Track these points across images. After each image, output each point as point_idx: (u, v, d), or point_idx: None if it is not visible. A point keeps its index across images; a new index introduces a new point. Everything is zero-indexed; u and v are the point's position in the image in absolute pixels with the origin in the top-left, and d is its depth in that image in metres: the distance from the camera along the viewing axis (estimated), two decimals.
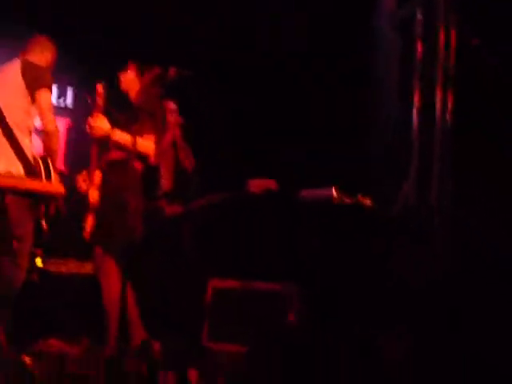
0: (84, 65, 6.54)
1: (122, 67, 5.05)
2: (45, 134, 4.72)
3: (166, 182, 5.38)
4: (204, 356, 5.01)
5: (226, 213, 5.83)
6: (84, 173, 4.90)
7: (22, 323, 5.03)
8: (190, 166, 5.70)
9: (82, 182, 4.85)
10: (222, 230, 6.16)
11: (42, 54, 4.87)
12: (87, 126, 4.74)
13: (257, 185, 5.59)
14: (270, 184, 5.58)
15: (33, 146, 4.76)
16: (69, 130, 6.83)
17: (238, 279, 5.80)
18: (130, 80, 5.01)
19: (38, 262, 5.71)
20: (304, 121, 6.60)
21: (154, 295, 5.30)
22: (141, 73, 4.99)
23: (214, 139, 6.47)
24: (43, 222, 4.74)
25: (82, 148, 6.35)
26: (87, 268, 5.88)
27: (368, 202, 4.89)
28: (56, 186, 4.55)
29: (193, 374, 4.44)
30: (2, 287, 4.43)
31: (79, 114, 6.77)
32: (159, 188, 5.25)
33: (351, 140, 6.20)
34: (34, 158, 4.69)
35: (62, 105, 6.84)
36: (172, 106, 5.28)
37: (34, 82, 4.67)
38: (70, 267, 5.99)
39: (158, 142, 4.76)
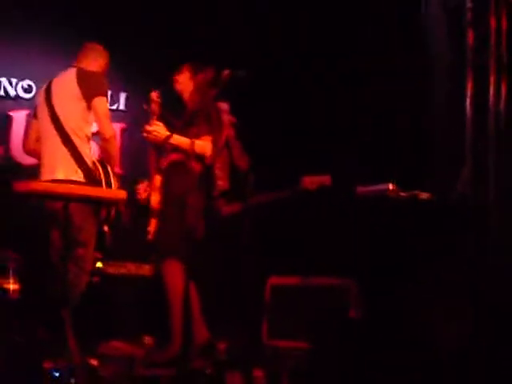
0: (136, 69, 6.62)
1: (177, 69, 5.09)
2: (103, 140, 4.76)
3: (221, 181, 5.41)
4: (267, 354, 5.02)
5: (282, 210, 5.86)
6: (144, 182, 4.95)
7: (84, 326, 5.10)
8: (244, 165, 5.72)
9: (142, 192, 4.91)
10: (279, 227, 6.19)
11: (96, 61, 4.92)
12: (144, 133, 4.79)
13: (311, 181, 5.59)
14: (325, 180, 5.58)
15: (91, 153, 4.82)
16: (123, 134, 6.91)
17: (296, 275, 5.83)
18: (184, 81, 5.06)
19: (99, 264, 5.79)
20: (356, 116, 6.58)
21: (215, 294, 5.34)
22: (194, 74, 5.04)
23: (267, 137, 6.49)
24: (105, 227, 4.81)
25: (137, 152, 6.50)
26: (145, 269, 5.96)
27: (425, 195, 4.86)
28: (117, 191, 4.60)
29: (258, 374, 4.46)
30: (69, 292, 4.50)
31: (132, 118, 6.90)
32: (215, 188, 5.27)
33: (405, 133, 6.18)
34: (94, 164, 4.75)
35: (115, 109, 6.90)
36: (224, 105, 5.31)
37: (89, 89, 4.71)
38: (129, 269, 6.06)
39: (214, 143, 4.80)
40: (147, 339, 5.53)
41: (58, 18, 6.57)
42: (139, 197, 4.93)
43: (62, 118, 4.73)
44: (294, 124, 6.75)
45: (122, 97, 6.97)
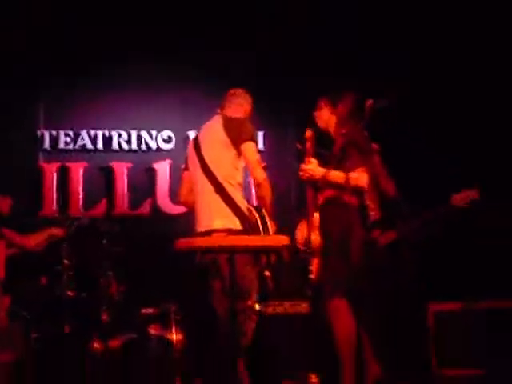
0: (270, 107, 6.63)
1: (314, 106, 5.02)
2: (256, 186, 4.72)
3: (373, 211, 5.32)
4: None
5: (436, 232, 5.70)
6: (301, 225, 4.89)
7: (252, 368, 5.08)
8: (391, 191, 5.62)
9: (300, 237, 4.86)
10: (438, 250, 6.03)
11: (241, 107, 4.90)
12: (300, 172, 4.73)
13: (460, 198, 5.44)
14: (473, 194, 5.41)
15: (244, 199, 4.81)
16: None
17: (456, 300, 5.65)
18: (325, 117, 4.93)
19: (256, 306, 5.78)
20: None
21: (382, 328, 5.21)
22: (334, 107, 4.93)
23: (409, 160, 6.35)
24: (266, 272, 4.77)
25: (278, 189, 6.48)
26: (302, 307, 5.89)
27: None
28: (280, 238, 4.51)
29: None
30: (241, 340, 4.49)
31: (270, 156, 6.92)
32: (369, 219, 5.17)
33: None
34: (249, 210, 4.74)
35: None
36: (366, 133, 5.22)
37: (236, 135, 4.68)
38: (286, 308, 6.01)
39: (369, 173, 4.69)
40: (313, 377, 5.46)
41: (191, 70, 6.69)
42: (298, 243, 4.87)
43: (212, 167, 4.72)
44: (433, 143, 6.59)
45: (260, 136, 6.96)
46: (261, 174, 4.66)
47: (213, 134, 4.80)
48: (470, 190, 5.43)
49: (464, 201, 5.41)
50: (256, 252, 4.57)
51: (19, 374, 4.18)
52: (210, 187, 4.70)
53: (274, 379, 5.22)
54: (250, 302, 4.61)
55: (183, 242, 4.09)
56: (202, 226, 4.73)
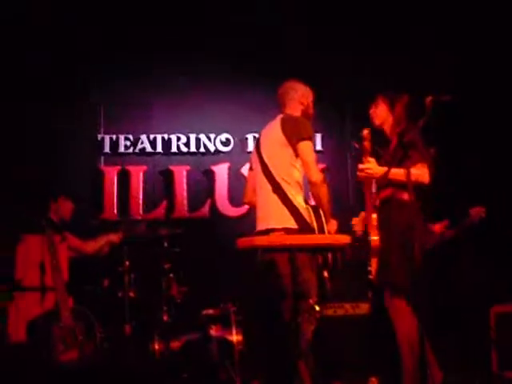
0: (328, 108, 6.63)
1: (372, 103, 4.99)
2: (312, 185, 4.71)
3: None
4: None
5: None
6: (357, 218, 4.88)
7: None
8: None
9: (357, 225, 4.83)
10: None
11: (300, 102, 4.90)
12: (358, 171, 4.70)
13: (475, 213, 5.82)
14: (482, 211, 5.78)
15: (302, 198, 4.80)
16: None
17: None
18: (383, 115, 4.90)
19: (316, 307, 5.78)
20: None
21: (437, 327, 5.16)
22: (391, 105, 4.89)
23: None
24: (324, 272, 4.78)
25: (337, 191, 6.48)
26: (363, 308, 5.87)
27: None
28: (341, 236, 4.51)
29: None
30: (301, 341, 4.50)
31: (330, 157, 6.92)
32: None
33: None
34: (306, 210, 4.74)
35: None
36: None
37: (293, 135, 4.69)
38: (346, 309, 5.99)
39: (430, 168, 4.63)
40: (373, 380, 5.43)
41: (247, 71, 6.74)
42: (356, 229, 4.85)
43: (270, 167, 4.75)
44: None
45: (318, 137, 6.96)
46: (315, 174, 4.65)
47: (272, 133, 4.83)
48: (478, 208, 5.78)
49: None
50: (316, 250, 4.58)
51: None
52: (268, 186, 4.73)
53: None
54: (311, 302, 4.61)
55: (243, 241, 4.15)
56: (260, 225, 4.76)
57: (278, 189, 4.70)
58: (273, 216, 4.69)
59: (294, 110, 4.89)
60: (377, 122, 4.91)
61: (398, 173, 4.50)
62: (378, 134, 4.91)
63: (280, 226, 4.64)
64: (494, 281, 5.83)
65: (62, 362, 4.71)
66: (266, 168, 4.78)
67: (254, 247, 4.28)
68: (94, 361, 4.63)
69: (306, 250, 4.45)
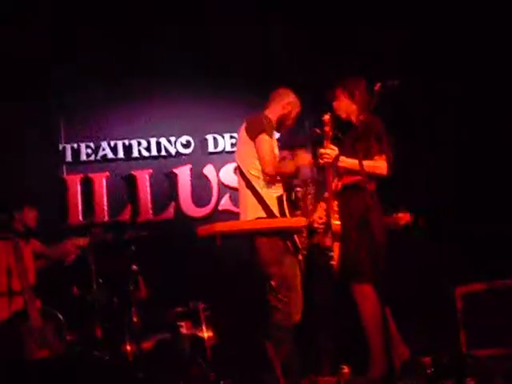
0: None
1: (331, 97, 5.03)
2: (265, 176, 4.96)
3: None
4: (471, 364, 4.89)
5: None
6: (319, 209, 5.00)
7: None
8: None
9: (317, 221, 4.96)
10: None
11: (278, 104, 5.13)
12: (319, 156, 4.76)
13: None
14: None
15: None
16: None
17: (481, 281, 5.68)
18: (345, 106, 4.96)
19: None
20: None
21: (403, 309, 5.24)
22: (351, 95, 4.93)
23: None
24: (299, 256, 5.05)
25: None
26: None
27: None
28: (297, 219, 4.70)
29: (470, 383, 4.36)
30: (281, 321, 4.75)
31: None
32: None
33: None
34: (276, 199, 4.97)
35: None
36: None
37: (252, 131, 4.97)
38: None
39: (388, 160, 4.71)
40: (345, 368, 5.48)
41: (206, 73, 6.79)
42: (316, 225, 4.97)
43: (240, 164, 5.09)
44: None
45: None
46: (267, 168, 4.92)
47: (240, 133, 5.16)
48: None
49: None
50: (273, 233, 4.83)
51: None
52: (242, 183, 5.07)
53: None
54: (273, 283, 4.79)
55: (203, 229, 4.36)
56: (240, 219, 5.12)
57: (248, 183, 5.00)
58: (248, 209, 5.02)
59: (272, 111, 5.13)
60: (343, 115, 4.97)
61: (350, 162, 4.62)
62: (338, 118, 4.98)
63: (253, 217, 4.94)
64: (454, 263, 5.92)
65: (34, 361, 4.72)
66: (239, 167, 5.13)
67: (213, 233, 4.43)
68: (66, 358, 4.62)
69: (263, 233, 4.74)
